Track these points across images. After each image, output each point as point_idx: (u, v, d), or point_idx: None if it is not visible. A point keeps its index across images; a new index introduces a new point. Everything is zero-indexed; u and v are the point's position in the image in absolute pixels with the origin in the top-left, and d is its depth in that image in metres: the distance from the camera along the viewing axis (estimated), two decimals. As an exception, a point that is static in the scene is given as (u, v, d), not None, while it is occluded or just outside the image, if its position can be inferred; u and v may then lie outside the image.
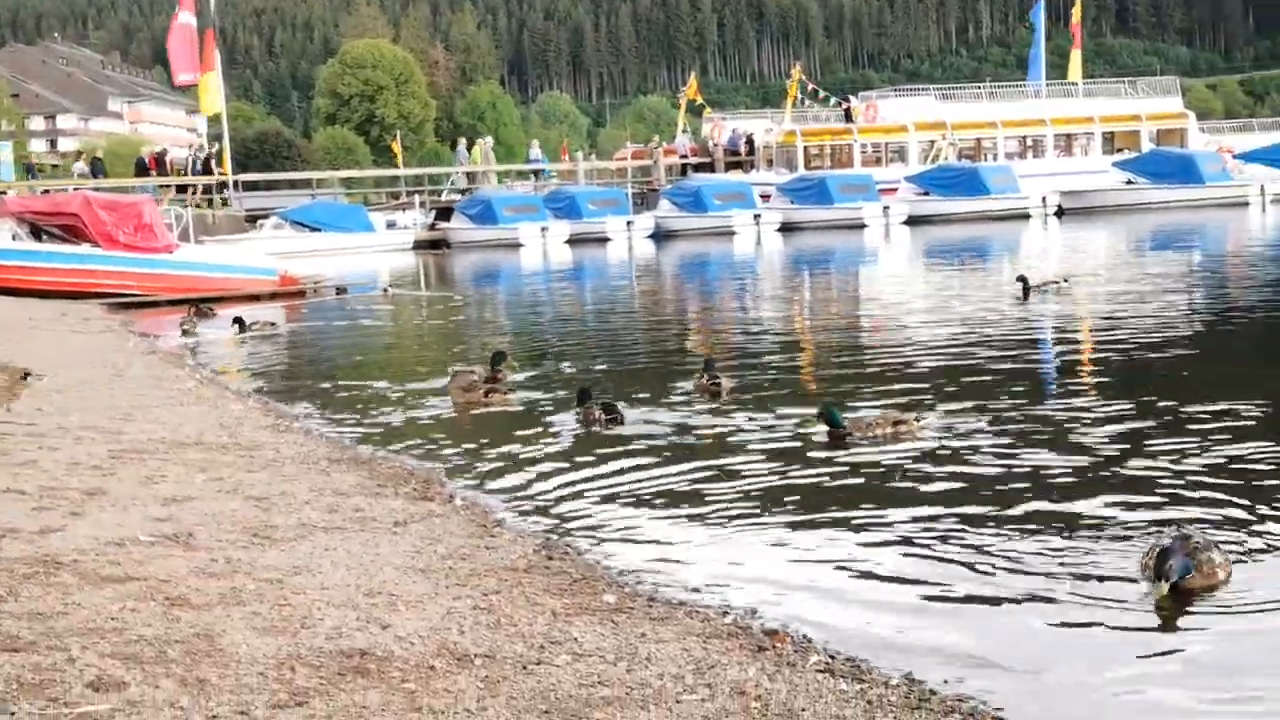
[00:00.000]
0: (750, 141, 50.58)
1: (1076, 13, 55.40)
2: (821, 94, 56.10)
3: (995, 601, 4.71)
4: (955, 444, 7.45)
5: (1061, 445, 7.32)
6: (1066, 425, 7.90)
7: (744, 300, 19.90)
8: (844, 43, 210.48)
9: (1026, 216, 41.12)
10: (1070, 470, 6.70)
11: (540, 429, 8.66)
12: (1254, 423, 7.64)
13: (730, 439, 7.96)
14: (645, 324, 16.95)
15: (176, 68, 45.41)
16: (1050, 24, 61.51)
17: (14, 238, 22.30)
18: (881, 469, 6.95)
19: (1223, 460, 6.70)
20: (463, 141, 55.00)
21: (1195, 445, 7.07)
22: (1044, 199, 41.78)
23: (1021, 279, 16.16)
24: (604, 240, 40.25)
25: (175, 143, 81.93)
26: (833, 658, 4.12)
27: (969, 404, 8.70)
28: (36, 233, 22.41)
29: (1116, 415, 8.12)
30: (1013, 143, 50.59)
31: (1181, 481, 6.35)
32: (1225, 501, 5.92)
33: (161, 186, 43.03)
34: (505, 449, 8.02)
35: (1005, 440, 7.50)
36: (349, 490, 6.57)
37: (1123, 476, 6.53)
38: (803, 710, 3.60)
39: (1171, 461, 6.75)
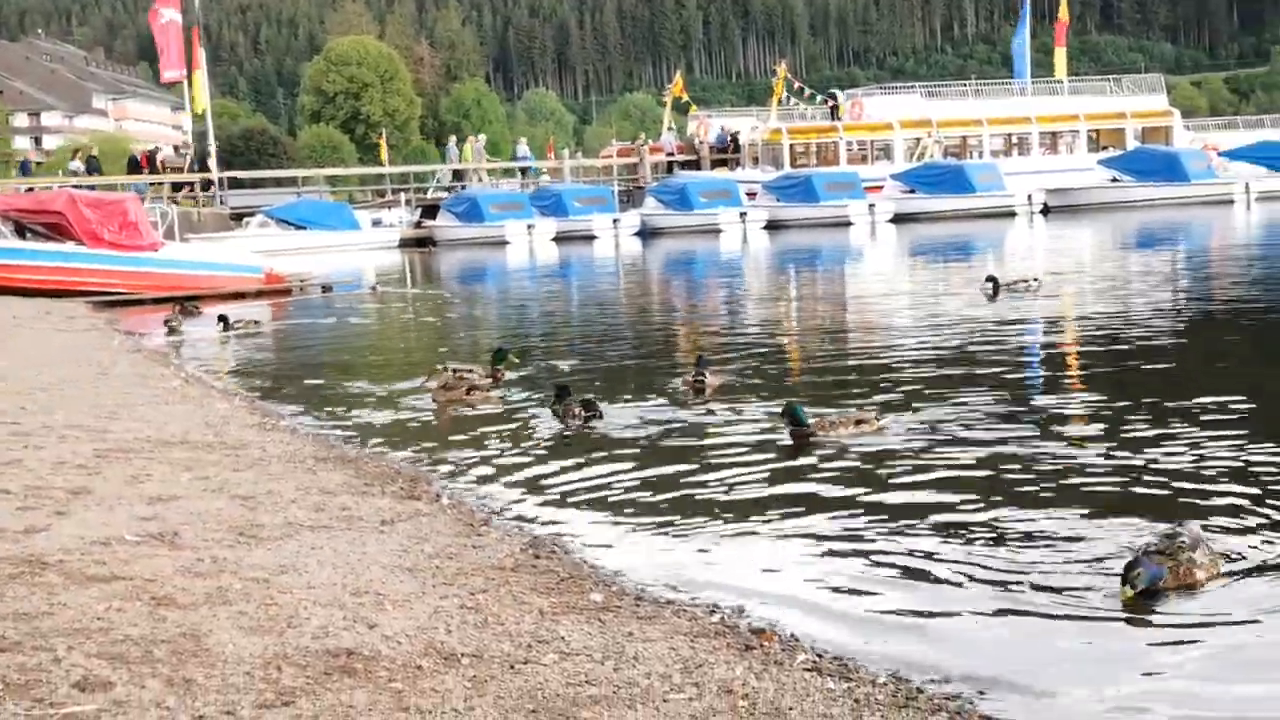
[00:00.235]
0: (734, 139, 50.63)
1: (1063, 11, 55.50)
2: (807, 92, 56.15)
3: (982, 601, 4.72)
4: (936, 442, 7.46)
5: (1038, 442, 7.34)
6: (1041, 422, 7.92)
7: (730, 298, 19.92)
8: (829, 40, 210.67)
9: (1012, 214, 41.22)
10: (1051, 468, 6.71)
11: (527, 427, 8.65)
12: (1225, 418, 7.67)
13: (717, 437, 7.96)
14: (631, 322, 16.94)
15: (164, 65, 45.32)
16: (1036, 22, 61.60)
17: (-2, 236, 22.23)
18: (871, 468, 6.96)
19: (1198, 456, 6.72)
20: (453, 139, 55.00)
21: (1172, 441, 7.10)
22: (1029, 197, 41.89)
23: (991, 279, 16.27)
24: (590, 238, 40.27)
25: (160, 140, 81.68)
26: (820, 656, 4.12)
27: (941, 402, 8.71)
28: (21, 231, 22.33)
29: (1087, 411, 8.17)
30: (998, 140, 50.73)
31: (1161, 479, 6.36)
32: (1204, 496, 5.94)
33: (154, 184, 42.98)
34: (492, 447, 8.02)
35: (982, 438, 7.51)
36: (335, 489, 6.56)
37: (1101, 473, 6.54)
38: (790, 709, 3.61)
39: (1150, 458, 6.77)
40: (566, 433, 8.34)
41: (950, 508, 6.00)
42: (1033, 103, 51.72)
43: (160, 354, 14.38)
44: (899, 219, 41.28)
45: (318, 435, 8.64)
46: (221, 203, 43.83)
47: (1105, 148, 50.00)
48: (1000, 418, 8.10)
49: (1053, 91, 53.16)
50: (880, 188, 43.58)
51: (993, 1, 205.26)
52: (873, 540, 5.56)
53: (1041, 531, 5.55)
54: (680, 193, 42.70)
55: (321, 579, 4.81)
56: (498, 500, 6.60)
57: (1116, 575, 4.78)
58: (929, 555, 5.29)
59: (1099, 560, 5.08)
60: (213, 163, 44.30)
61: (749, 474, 6.91)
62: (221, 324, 16.42)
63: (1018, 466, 6.77)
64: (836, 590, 4.92)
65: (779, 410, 8.05)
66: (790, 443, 7.58)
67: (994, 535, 5.53)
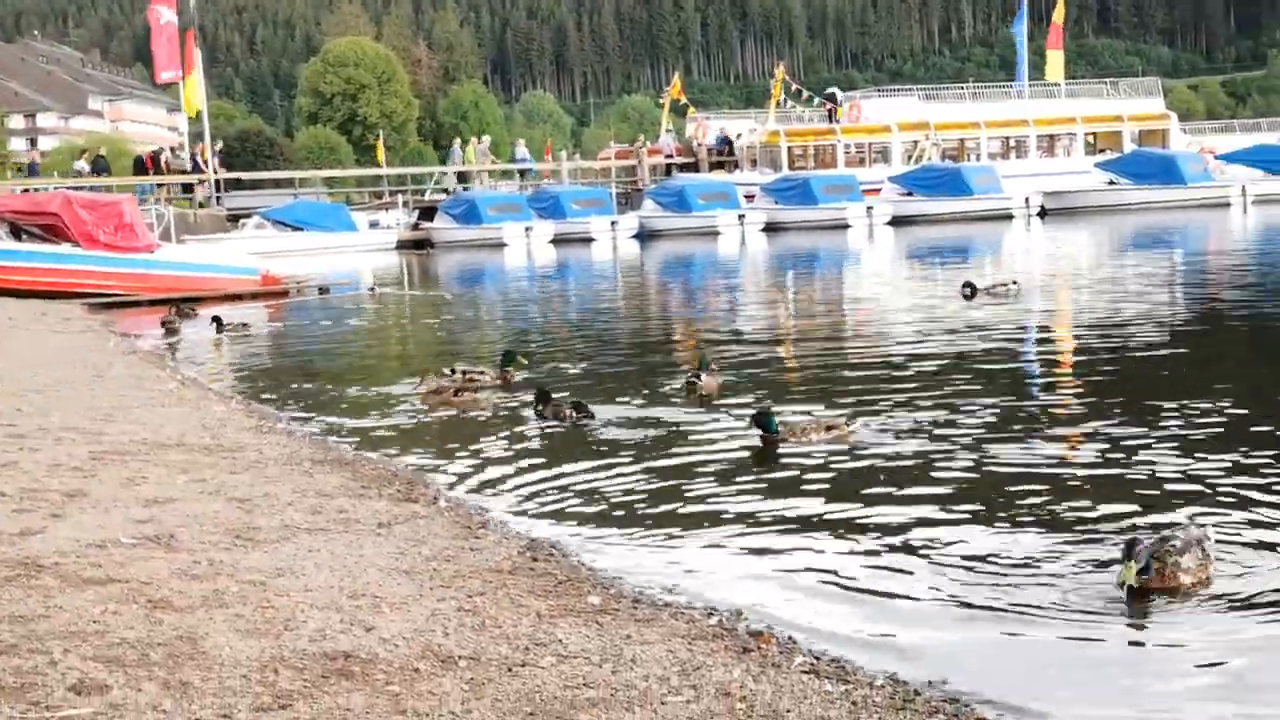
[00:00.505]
0: (729, 141, 50.68)
1: (1059, 13, 55.53)
2: (805, 94, 56.19)
3: (979, 603, 4.71)
4: (924, 447, 7.46)
5: (1024, 446, 7.37)
6: (1028, 426, 7.95)
7: (727, 301, 19.92)
8: (827, 42, 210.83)
9: (1009, 217, 41.26)
10: (1040, 471, 6.73)
11: (525, 430, 8.65)
12: (1214, 420, 7.69)
13: (714, 439, 7.96)
14: (629, 324, 16.95)
15: (159, 66, 45.31)
16: (1033, 25, 61.66)
17: (-6, 237, 22.20)
18: (868, 472, 6.96)
19: (1189, 459, 6.73)
20: (457, 141, 55.06)
21: (1162, 444, 7.12)
22: (1027, 199, 41.93)
23: (968, 284, 16.42)
24: (588, 240, 40.26)
25: (156, 141, 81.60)
26: (818, 659, 4.12)
27: (925, 406, 8.72)
28: (16, 232, 22.29)
29: (1073, 414, 8.17)
30: (996, 143, 50.76)
31: (1153, 481, 6.38)
32: (1195, 498, 5.95)
33: (160, 185, 43.04)
34: (490, 450, 8.01)
35: (966, 441, 7.51)
36: (333, 492, 6.55)
37: (1089, 476, 6.56)
38: (788, 711, 3.60)
39: (1140, 461, 6.78)
40: (566, 436, 8.33)
41: (946, 511, 6.00)
42: (1030, 105, 51.77)
43: (156, 356, 14.37)
44: (897, 221, 41.30)
45: (315, 437, 8.63)
46: (218, 204, 43.81)
47: (1102, 150, 50.05)
48: (981, 422, 8.10)
49: (1050, 94, 53.20)
50: (878, 190, 43.61)
51: (990, 4, 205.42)
52: (870, 543, 5.56)
53: (1036, 535, 5.55)
54: (678, 195, 42.71)
55: (318, 582, 4.80)
56: (495, 503, 6.59)
57: (1110, 577, 4.81)
58: (926, 558, 5.29)
59: (1094, 562, 5.08)
60: (215, 162, 44.23)
61: (746, 476, 6.91)
62: (215, 324, 16.41)
63: (1006, 470, 6.78)
64: (834, 593, 4.92)
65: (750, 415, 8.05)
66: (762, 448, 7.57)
67: (989, 538, 5.53)
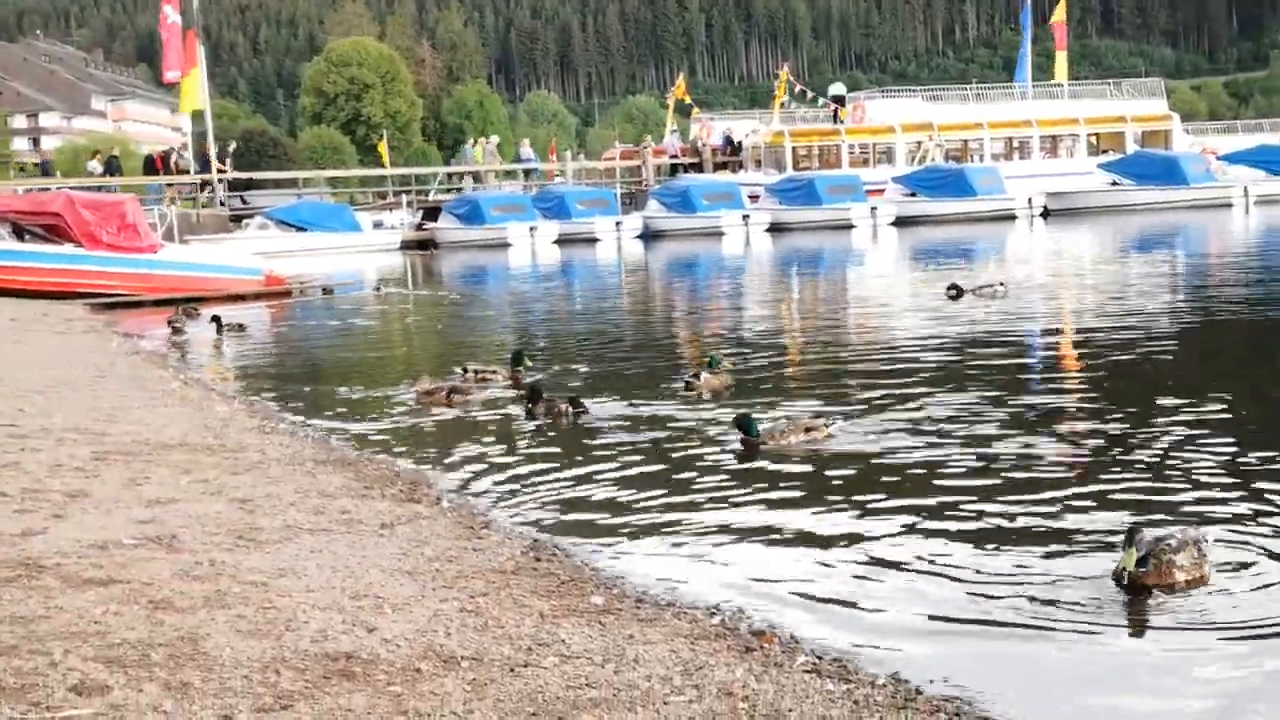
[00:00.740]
0: (731, 141, 50.69)
1: (1060, 10, 55.47)
2: (809, 95, 56.20)
3: (980, 603, 4.71)
4: (931, 447, 7.46)
5: (1023, 443, 7.38)
6: (1026, 425, 7.95)
7: (731, 302, 19.92)
8: (831, 43, 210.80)
9: (1012, 217, 41.27)
10: (1033, 469, 6.74)
11: (527, 431, 8.64)
12: (1203, 419, 7.69)
13: (716, 439, 7.95)
14: (633, 324, 16.95)
15: (167, 66, 45.34)
16: (1037, 26, 61.63)
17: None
18: (868, 472, 6.95)
19: (1181, 458, 6.73)
20: (470, 141, 55.16)
21: (1151, 443, 7.12)
22: (1030, 200, 41.95)
23: (954, 285, 16.53)
24: (592, 240, 40.27)
25: (160, 141, 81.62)
26: (820, 658, 4.11)
27: (929, 405, 8.71)
28: (19, 232, 22.30)
29: (1066, 414, 8.17)
30: (999, 144, 50.78)
31: (1142, 479, 6.37)
32: (1185, 497, 5.94)
33: (170, 185, 43.09)
34: (492, 450, 8.00)
35: (969, 441, 7.52)
36: (335, 492, 6.55)
37: (1088, 475, 6.55)
38: (790, 711, 3.59)
39: (1134, 459, 6.78)
40: (568, 436, 8.33)
41: (947, 513, 5.99)
42: (1033, 106, 51.78)
43: (159, 356, 14.37)
44: (900, 222, 41.30)
45: (318, 438, 8.62)
46: (221, 204, 43.86)
47: (1105, 151, 50.05)
48: (978, 423, 8.10)
49: (1053, 95, 53.20)
50: (882, 191, 43.63)
51: (994, 6, 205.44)
52: (872, 543, 5.55)
53: (1036, 535, 5.55)
54: (683, 195, 42.72)
55: (320, 582, 4.80)
56: (498, 503, 6.58)
57: (1104, 575, 4.83)
58: (927, 558, 5.28)
59: (1092, 561, 5.08)
60: (213, 163, 44.25)
61: (748, 476, 6.90)
62: (215, 324, 16.40)
63: (1004, 471, 6.78)
64: (836, 592, 4.91)
65: (785, 412, 8.05)
66: (741, 450, 7.55)
67: (990, 539, 5.52)
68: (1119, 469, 6.70)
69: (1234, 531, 5.46)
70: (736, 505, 6.32)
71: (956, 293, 16.18)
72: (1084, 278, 20.55)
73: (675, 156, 51.35)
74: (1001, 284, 16.80)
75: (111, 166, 45.48)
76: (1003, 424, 8.01)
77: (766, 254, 32.26)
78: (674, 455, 7.56)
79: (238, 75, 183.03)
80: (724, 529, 5.90)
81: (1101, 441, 7.38)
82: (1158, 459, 6.86)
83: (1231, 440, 7.14)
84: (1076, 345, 12.20)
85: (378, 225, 43.40)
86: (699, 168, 49.88)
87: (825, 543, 5.61)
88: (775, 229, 40.95)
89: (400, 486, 6.81)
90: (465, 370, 11.01)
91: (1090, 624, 4.45)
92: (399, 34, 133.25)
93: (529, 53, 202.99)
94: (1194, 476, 6.44)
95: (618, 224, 41.87)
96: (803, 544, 5.60)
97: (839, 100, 51.35)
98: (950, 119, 50.33)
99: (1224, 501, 5.94)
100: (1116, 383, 9.62)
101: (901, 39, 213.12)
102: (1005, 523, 5.75)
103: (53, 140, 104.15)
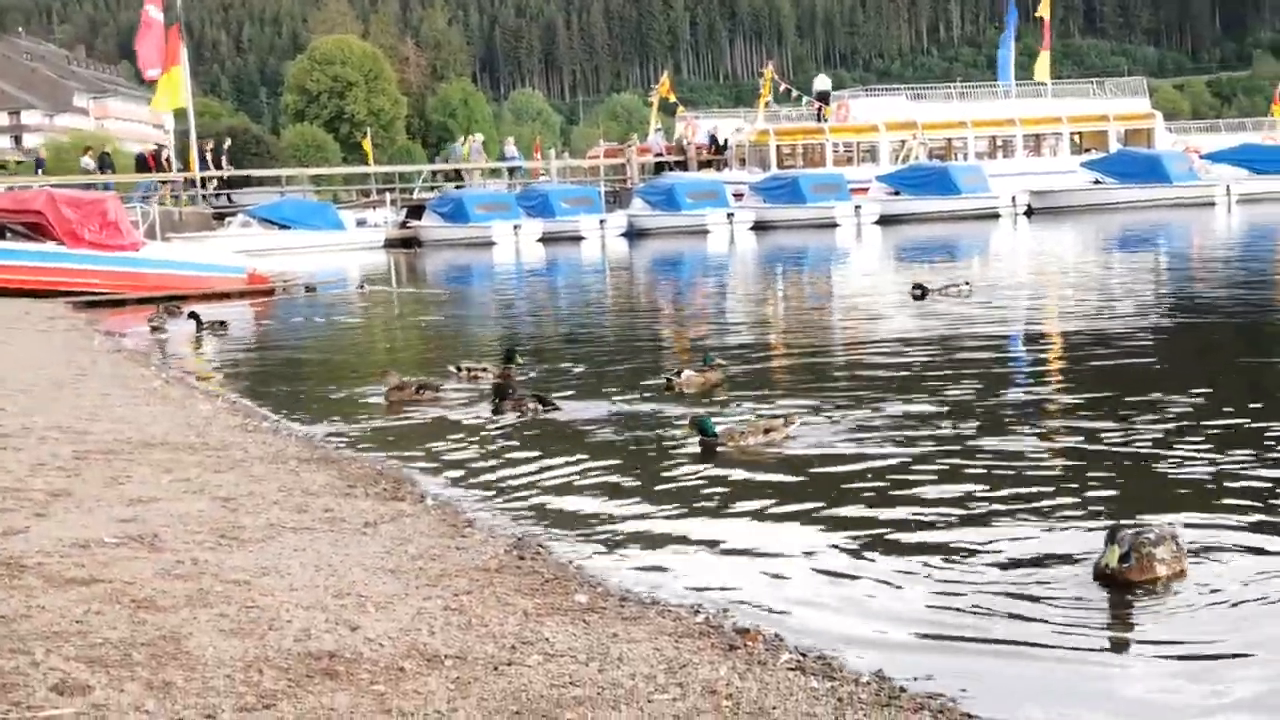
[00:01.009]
0: (716, 140, 50.72)
1: (1044, 8, 55.59)
2: (794, 93, 56.25)
3: (963, 601, 4.72)
4: (909, 444, 7.47)
5: (1003, 439, 7.42)
6: (1003, 420, 7.99)
7: (715, 300, 19.93)
8: (816, 42, 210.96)
9: (996, 216, 41.37)
10: (1020, 466, 6.76)
11: (511, 429, 8.63)
12: (1169, 414, 7.73)
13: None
14: (617, 323, 16.94)
15: (145, 63, 45.18)
16: (1021, 25, 61.78)
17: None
18: (847, 470, 6.96)
19: (1149, 455, 6.76)
20: (461, 138, 55.15)
21: (1128, 439, 7.14)
22: (1013, 198, 42.06)
23: (918, 285, 16.59)
24: (577, 239, 40.25)
25: (141, 138, 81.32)
26: (804, 656, 4.11)
27: (904, 402, 8.73)
28: (0, 230, 22.19)
29: (1049, 409, 8.20)
30: (983, 142, 50.90)
31: (1122, 474, 6.40)
32: (1156, 492, 5.96)
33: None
34: (476, 449, 7.99)
35: (948, 438, 7.54)
36: (318, 490, 6.53)
37: (1068, 471, 6.58)
38: (774, 708, 3.60)
39: (1114, 454, 6.80)
40: (552, 434, 8.32)
41: (928, 510, 6.00)
42: (1017, 105, 51.91)
43: (141, 354, 14.31)
44: (884, 220, 41.37)
45: (301, 436, 8.60)
46: (205, 201, 43.73)
47: (1088, 150, 50.21)
48: (955, 420, 8.13)
49: (1036, 94, 53.33)
50: (866, 189, 43.69)
51: (978, 5, 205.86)
52: (853, 541, 5.55)
53: (1017, 532, 5.57)
54: (667, 194, 42.71)
55: (303, 581, 4.78)
56: (482, 501, 6.57)
57: (1085, 571, 4.87)
58: (912, 556, 5.29)
59: (1075, 559, 5.09)
60: (194, 162, 44.12)
61: (731, 474, 6.90)
62: (194, 321, 16.31)
63: (984, 467, 6.79)
64: (819, 590, 4.91)
65: (772, 410, 8.05)
66: (700, 452, 7.51)
67: (971, 536, 5.53)
68: (1095, 466, 6.72)
69: (1211, 525, 5.48)
70: (720, 504, 6.33)
71: (920, 292, 16.23)
72: (1058, 276, 20.60)
73: (660, 155, 51.35)
74: (966, 284, 16.88)
75: (104, 163, 45.37)
76: (974, 422, 8.03)
77: (751, 252, 32.28)
78: (658, 453, 7.56)
79: (220, 73, 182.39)
80: (708, 527, 5.90)
81: (1079, 439, 7.41)
82: (1133, 456, 6.89)
83: (1207, 437, 7.18)
84: (1044, 344, 12.30)
85: (361, 223, 43.32)
86: (684, 166, 49.89)
87: (808, 541, 5.61)
88: (760, 227, 40.99)
89: (384, 485, 6.80)
90: (459, 368, 11.02)
91: (1072, 621, 4.46)
92: (383, 32, 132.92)
93: (513, 51, 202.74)
94: (1170, 473, 6.48)
95: (602, 222, 41.84)
96: (786, 542, 5.60)
97: (823, 97, 51.37)
98: (934, 118, 50.43)
99: (1201, 496, 5.97)
100: (1085, 381, 9.64)
101: (886, 37, 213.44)
102: (984, 522, 5.77)
103: (34, 138, 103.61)
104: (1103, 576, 4.77)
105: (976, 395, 9.04)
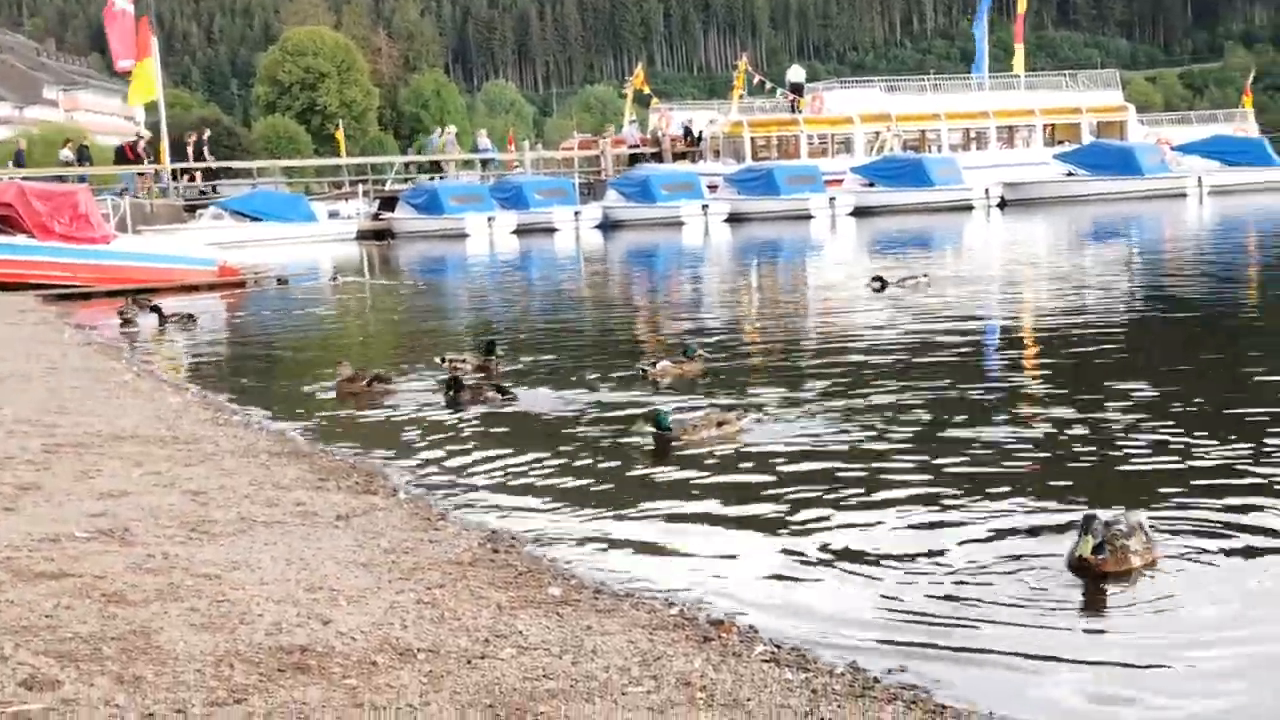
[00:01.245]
0: (690, 131, 50.69)
1: (1022, 4, 55.77)
2: (768, 85, 56.28)
3: (937, 591, 4.73)
4: (877, 436, 7.49)
5: (972, 429, 7.45)
6: (972, 411, 8.01)
7: (690, 292, 19.93)
8: (790, 34, 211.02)
9: (970, 208, 41.48)
10: (989, 456, 6.79)
11: (485, 422, 8.61)
12: (1130, 405, 7.79)
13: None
14: (592, 314, 16.92)
15: (116, 54, 44.88)
16: (994, 17, 61.91)
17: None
18: (818, 463, 6.96)
19: (1105, 446, 6.80)
20: (438, 129, 54.98)
21: (1091, 430, 7.17)
22: (987, 190, 42.17)
23: (878, 278, 16.63)
24: (551, 230, 40.15)
25: (113, 131, 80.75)
26: (778, 647, 4.12)
27: (871, 395, 8.75)
28: (-30, 223, 22.01)
29: (1021, 399, 8.23)
30: (956, 135, 51.00)
31: (1086, 464, 6.42)
32: (1118, 482, 5.99)
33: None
34: (449, 441, 7.97)
35: (916, 430, 7.56)
36: (290, 484, 6.49)
37: (1034, 462, 6.62)
38: (748, 700, 3.59)
39: (1080, 445, 6.83)
40: (526, 428, 8.30)
41: (901, 502, 6.02)
42: (990, 97, 52.01)
43: (112, 348, 14.21)
44: (859, 212, 41.43)
45: (272, 429, 8.56)
46: (178, 194, 43.46)
47: (1061, 142, 50.35)
48: (922, 412, 8.16)
49: (1009, 86, 53.47)
50: (840, 181, 43.74)
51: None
52: (826, 533, 5.56)
53: (987, 523, 5.59)
54: (642, 185, 42.65)
55: (275, 575, 4.75)
56: (455, 494, 6.55)
57: (1056, 562, 4.90)
58: (885, 548, 5.30)
59: (1045, 550, 5.11)
60: (165, 154, 43.83)
61: (706, 465, 6.90)
62: (156, 315, 16.10)
63: (952, 460, 6.83)
64: (794, 582, 4.92)
65: (742, 403, 8.05)
66: (653, 447, 7.50)
67: (939, 528, 5.55)
68: (1064, 457, 6.76)
69: (1181, 515, 5.51)
70: (695, 497, 6.32)
71: (880, 285, 16.27)
72: (1026, 269, 20.67)
73: (635, 146, 51.29)
74: (925, 276, 16.96)
75: (83, 155, 45.09)
76: (944, 414, 8.04)
77: (726, 244, 32.29)
78: (632, 445, 7.54)
79: (191, 64, 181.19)
80: (682, 520, 5.90)
81: (1048, 428, 7.45)
82: (1103, 446, 6.92)
83: (1176, 427, 7.22)
84: (1010, 336, 12.34)
85: (333, 215, 43.10)
86: (658, 158, 49.85)
87: (782, 533, 5.62)
88: (734, 219, 40.99)
89: (356, 478, 6.77)
90: (443, 360, 11.01)
91: (1046, 611, 4.48)
92: (355, 23, 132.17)
93: (486, 42, 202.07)
94: (1139, 463, 6.51)
95: (576, 214, 41.74)
96: (760, 534, 5.61)
97: (797, 89, 51.37)
98: (908, 110, 50.49)
99: (1170, 486, 6.00)
100: (1052, 372, 9.69)
101: (859, 29, 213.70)
102: (957, 513, 5.78)
103: (4, 130, 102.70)
104: (1077, 567, 4.79)
105: (945, 387, 9.06)
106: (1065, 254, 23.49)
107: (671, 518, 5.92)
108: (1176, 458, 6.58)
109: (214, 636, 3.98)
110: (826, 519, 5.77)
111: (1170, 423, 7.37)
